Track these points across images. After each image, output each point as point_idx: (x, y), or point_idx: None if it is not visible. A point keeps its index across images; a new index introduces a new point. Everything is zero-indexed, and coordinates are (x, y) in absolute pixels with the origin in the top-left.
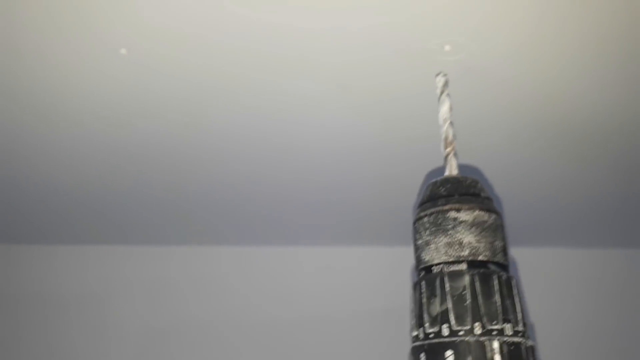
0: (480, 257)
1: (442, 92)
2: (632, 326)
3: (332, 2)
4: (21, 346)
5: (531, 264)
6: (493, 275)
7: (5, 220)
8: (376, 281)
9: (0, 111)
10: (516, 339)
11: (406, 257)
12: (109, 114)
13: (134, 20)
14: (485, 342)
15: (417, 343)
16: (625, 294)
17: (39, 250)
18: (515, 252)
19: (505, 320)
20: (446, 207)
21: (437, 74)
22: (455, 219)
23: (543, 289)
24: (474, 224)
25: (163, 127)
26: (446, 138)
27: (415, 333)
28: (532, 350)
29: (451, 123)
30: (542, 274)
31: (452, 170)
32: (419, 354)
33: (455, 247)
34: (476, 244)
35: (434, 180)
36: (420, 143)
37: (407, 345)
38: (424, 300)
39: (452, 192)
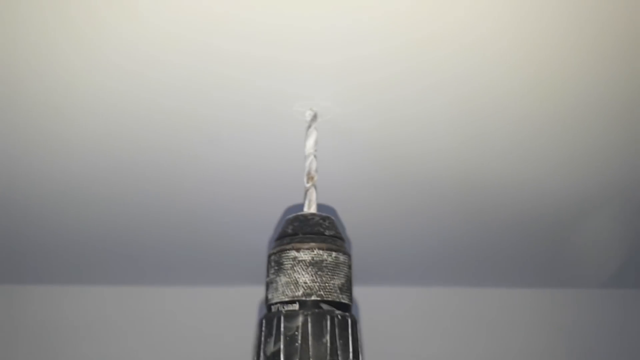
0: (313, 297)
1: (309, 126)
2: None
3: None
4: None
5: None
6: (326, 315)
7: None
8: None
9: None
10: None
11: None
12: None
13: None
14: None
15: None
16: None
17: None
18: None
19: None
20: (288, 247)
21: (308, 109)
22: (294, 258)
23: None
24: (311, 264)
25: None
26: (309, 172)
27: None
28: None
29: (315, 157)
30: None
31: (310, 203)
32: None
33: (291, 287)
34: (311, 284)
35: (287, 217)
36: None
37: None
38: (262, 338)
39: (297, 231)
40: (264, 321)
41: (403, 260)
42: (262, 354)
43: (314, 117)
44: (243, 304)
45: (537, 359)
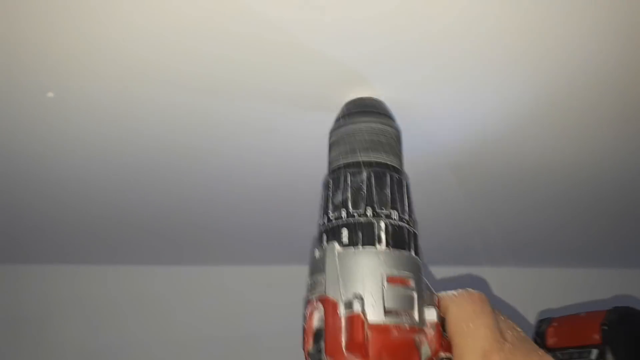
0: (374, 159)
1: None
2: None
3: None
4: None
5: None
6: (387, 173)
7: None
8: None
9: None
10: (401, 223)
11: None
12: None
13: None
14: (374, 222)
15: (321, 228)
16: None
17: None
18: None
19: (393, 208)
20: (349, 120)
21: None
22: (355, 129)
23: None
24: (372, 134)
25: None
26: None
27: (320, 222)
28: (414, 235)
29: None
30: None
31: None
32: (321, 236)
33: (356, 151)
34: (373, 147)
35: (348, 100)
36: None
37: None
38: (330, 193)
39: (359, 109)
40: (330, 180)
41: (447, 240)
42: (330, 204)
43: None
44: (284, 283)
45: None
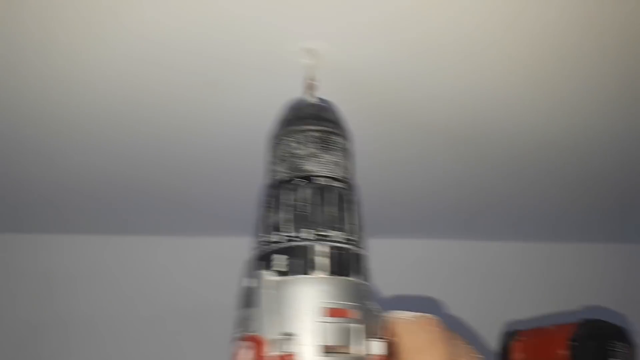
0: (318, 173)
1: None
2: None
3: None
4: None
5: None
6: (329, 188)
7: None
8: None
9: None
10: (345, 246)
11: None
12: None
13: None
14: (313, 246)
15: (255, 252)
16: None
17: None
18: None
19: (337, 229)
20: (297, 128)
21: (306, 50)
22: (301, 138)
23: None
24: (318, 143)
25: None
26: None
27: (253, 245)
28: (361, 257)
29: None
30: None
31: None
32: (254, 262)
33: (301, 162)
34: (318, 160)
35: (295, 104)
36: None
37: None
38: (265, 212)
39: (308, 116)
40: (265, 197)
41: (408, 211)
42: (264, 225)
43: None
44: (236, 254)
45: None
